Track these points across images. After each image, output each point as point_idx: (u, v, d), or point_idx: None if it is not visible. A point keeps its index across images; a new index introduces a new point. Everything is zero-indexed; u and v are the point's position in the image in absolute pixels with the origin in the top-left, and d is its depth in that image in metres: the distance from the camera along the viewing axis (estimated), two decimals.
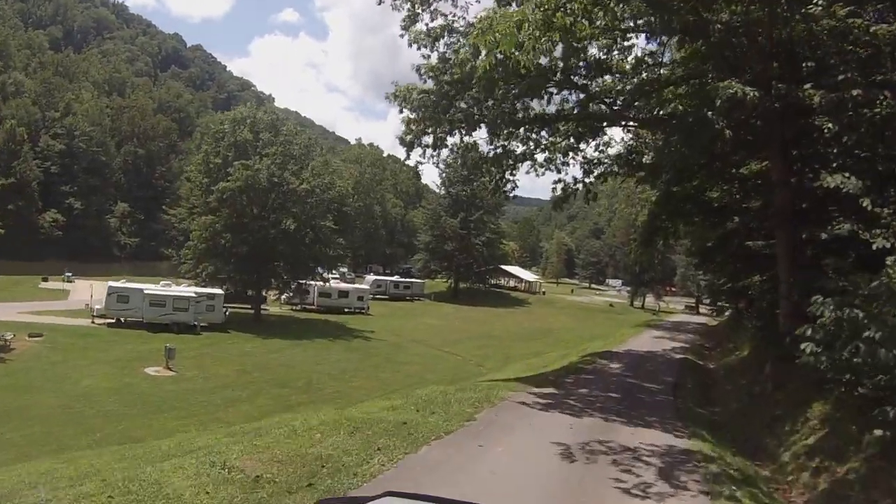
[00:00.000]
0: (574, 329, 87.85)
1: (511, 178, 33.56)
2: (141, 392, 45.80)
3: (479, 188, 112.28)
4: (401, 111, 28.52)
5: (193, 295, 67.27)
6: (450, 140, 29.52)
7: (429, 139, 28.58)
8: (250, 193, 72.07)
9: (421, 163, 30.55)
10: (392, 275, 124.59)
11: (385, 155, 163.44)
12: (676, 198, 34.92)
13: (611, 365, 34.90)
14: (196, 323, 65.62)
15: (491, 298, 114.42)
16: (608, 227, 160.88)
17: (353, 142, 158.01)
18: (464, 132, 29.86)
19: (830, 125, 19.33)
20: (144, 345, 57.15)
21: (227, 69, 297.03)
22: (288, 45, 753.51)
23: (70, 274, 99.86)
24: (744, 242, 37.47)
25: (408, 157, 30.32)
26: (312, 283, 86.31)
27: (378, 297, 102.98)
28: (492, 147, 30.95)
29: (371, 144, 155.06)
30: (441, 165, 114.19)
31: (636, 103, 28.52)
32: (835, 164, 22.15)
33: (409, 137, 28.53)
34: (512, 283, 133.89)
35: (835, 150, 22.30)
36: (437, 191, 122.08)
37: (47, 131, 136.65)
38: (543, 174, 33.01)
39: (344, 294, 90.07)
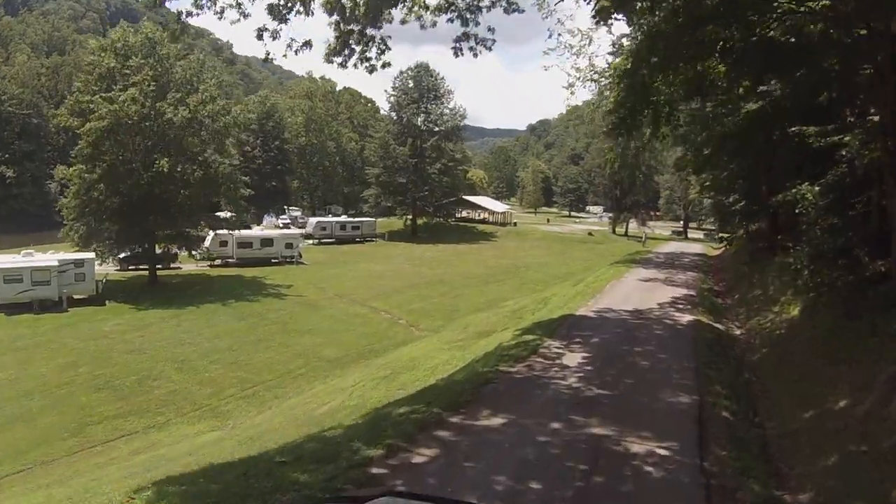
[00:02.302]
0: (546, 265, 71.37)
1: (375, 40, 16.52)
2: None
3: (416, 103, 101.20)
4: None
5: (56, 264, 49.69)
6: None
7: None
8: (121, 132, 54.15)
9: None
10: (356, 215, 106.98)
11: (340, 88, 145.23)
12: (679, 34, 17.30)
13: (564, 359, 17.31)
14: (62, 297, 48.93)
15: (454, 234, 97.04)
16: (587, 153, 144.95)
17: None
18: None
19: None
20: None
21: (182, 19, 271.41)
22: None
23: None
24: (787, 127, 22.16)
25: None
26: (230, 232, 69.23)
27: (324, 240, 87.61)
28: None
29: (323, 77, 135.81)
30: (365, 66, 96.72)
31: None
32: None
33: None
34: (482, 217, 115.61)
35: None
36: (389, 116, 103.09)
37: None
38: (433, 25, 15.52)
39: (268, 242, 72.38)
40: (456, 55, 16.96)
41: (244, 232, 72.98)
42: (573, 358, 17.29)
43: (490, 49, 17.47)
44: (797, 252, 21.64)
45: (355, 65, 17.76)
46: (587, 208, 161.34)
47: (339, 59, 17.44)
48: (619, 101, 20.61)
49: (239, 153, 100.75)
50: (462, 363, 21.43)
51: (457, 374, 17.52)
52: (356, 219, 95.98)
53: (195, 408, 30.53)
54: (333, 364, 36.57)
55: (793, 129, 20.82)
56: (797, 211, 21.47)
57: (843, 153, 18.30)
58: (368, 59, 17.37)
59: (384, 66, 17.42)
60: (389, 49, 17.51)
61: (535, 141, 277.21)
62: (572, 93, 36.68)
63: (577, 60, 37.13)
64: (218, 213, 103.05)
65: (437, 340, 33.99)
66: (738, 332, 24.97)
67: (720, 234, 52.37)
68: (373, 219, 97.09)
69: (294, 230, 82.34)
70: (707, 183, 46.21)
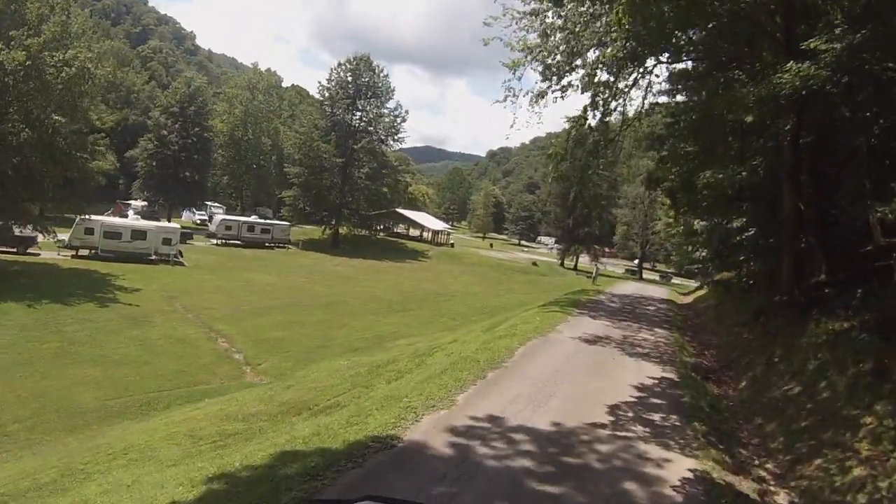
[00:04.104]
0: (474, 296, 57.23)
1: None
2: None
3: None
4: None
5: None
6: None
7: None
8: None
9: None
10: (283, 219, 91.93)
11: (289, 85, 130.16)
12: None
13: None
14: None
15: (380, 249, 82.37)
16: (543, 182, 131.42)
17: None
18: None
19: None
20: None
21: (149, 3, 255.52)
22: None
23: None
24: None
25: None
26: (96, 217, 54.34)
27: (230, 241, 72.66)
28: None
29: (269, 70, 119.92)
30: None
31: None
32: None
33: None
34: (420, 234, 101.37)
35: None
36: (321, 109, 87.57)
37: None
38: None
39: (140, 235, 56.03)
40: None
41: (113, 220, 57.59)
42: None
43: None
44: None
45: None
46: (539, 238, 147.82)
47: None
48: None
49: (154, 136, 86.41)
50: None
51: None
52: (267, 221, 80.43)
53: None
54: (70, 421, 21.76)
55: None
56: None
57: None
58: None
59: None
60: None
61: (493, 167, 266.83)
62: (518, 75, 21.66)
63: (527, 36, 23.32)
64: (129, 201, 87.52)
65: (205, 414, 19.01)
66: (781, 497, 10.53)
67: (711, 278, 36.83)
68: (287, 223, 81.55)
69: (173, 224, 66.57)
70: (683, 208, 31.94)
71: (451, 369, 14.82)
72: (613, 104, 24.06)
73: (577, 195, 79.60)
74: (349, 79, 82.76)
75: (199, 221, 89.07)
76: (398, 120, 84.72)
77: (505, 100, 23.60)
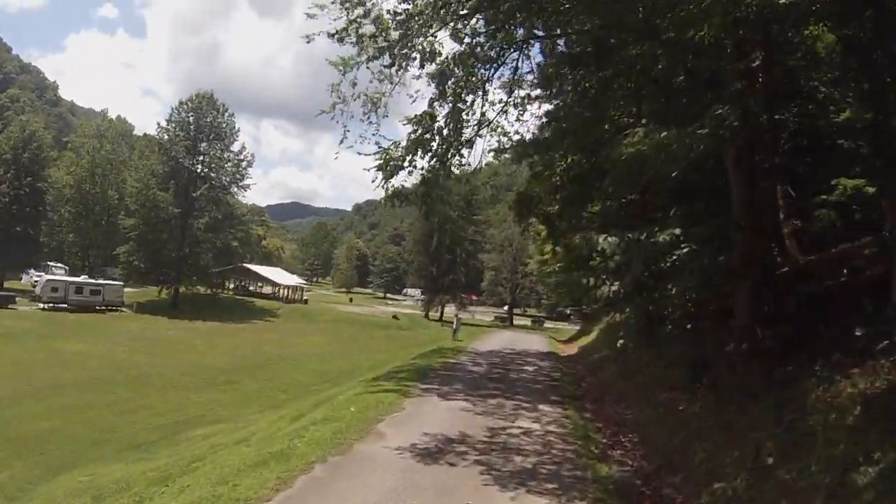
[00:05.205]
0: (322, 358, 48.76)
1: None
2: None
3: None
4: None
5: None
6: None
7: None
8: None
9: None
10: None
11: (141, 134, 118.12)
12: None
13: None
14: None
15: (225, 309, 72.64)
16: (408, 233, 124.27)
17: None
18: None
19: None
20: None
21: (13, 52, 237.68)
22: (105, 43, 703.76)
23: None
24: None
25: None
26: None
27: (57, 305, 62.40)
28: None
29: (119, 117, 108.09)
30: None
31: None
32: None
33: None
34: (275, 291, 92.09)
35: None
36: (161, 153, 76.55)
37: None
38: None
39: None
40: None
41: None
42: None
43: None
44: None
45: None
46: (405, 290, 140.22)
47: None
48: None
49: None
50: None
51: None
52: (97, 282, 69.06)
53: None
54: None
55: None
56: None
57: None
58: None
59: None
60: None
61: (360, 221, 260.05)
62: (351, 80, 12.85)
63: (362, 26, 15.19)
64: None
65: None
66: None
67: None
68: (120, 283, 70.47)
69: None
70: (563, 233, 24.33)
71: None
72: (470, 97, 16.26)
73: (425, 216, 72.41)
74: (190, 119, 73.20)
75: (33, 283, 76.52)
76: (244, 164, 75.34)
77: (333, 108, 15.11)
